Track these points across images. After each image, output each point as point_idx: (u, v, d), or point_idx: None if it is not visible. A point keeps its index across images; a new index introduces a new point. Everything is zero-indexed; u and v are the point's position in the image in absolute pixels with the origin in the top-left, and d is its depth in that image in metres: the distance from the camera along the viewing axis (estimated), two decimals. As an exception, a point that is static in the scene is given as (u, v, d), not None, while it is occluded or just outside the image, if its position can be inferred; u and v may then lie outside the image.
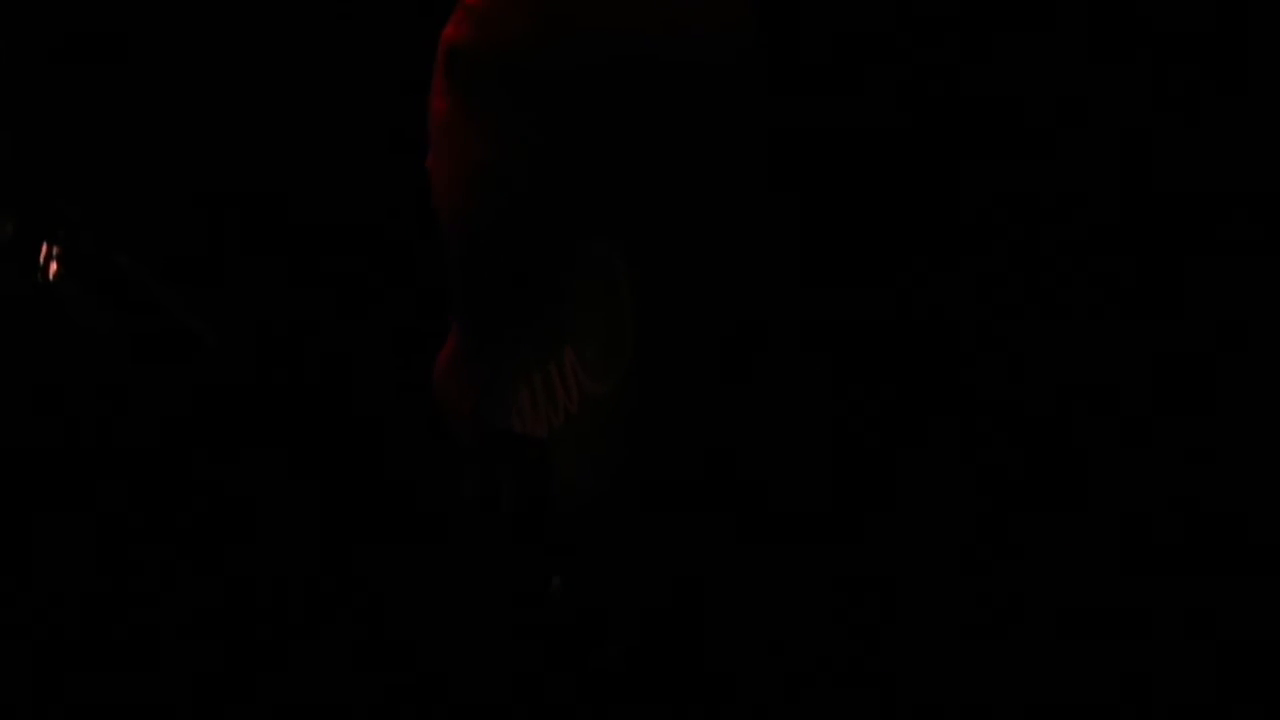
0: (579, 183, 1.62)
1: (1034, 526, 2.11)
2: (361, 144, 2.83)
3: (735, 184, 1.75)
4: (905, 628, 1.98)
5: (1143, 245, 2.06)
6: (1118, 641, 1.99)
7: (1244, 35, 1.98)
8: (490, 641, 1.86)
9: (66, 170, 2.12)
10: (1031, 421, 2.14)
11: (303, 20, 2.64)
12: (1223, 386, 2.04)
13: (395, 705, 1.82)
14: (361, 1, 2.67)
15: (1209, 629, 1.94)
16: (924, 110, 2.15)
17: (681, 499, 1.99)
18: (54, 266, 1.83)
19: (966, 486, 2.09)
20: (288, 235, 2.80)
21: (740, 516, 1.95)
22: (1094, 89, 2.03)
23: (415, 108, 1.83)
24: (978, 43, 2.20)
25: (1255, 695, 1.90)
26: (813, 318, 2.16)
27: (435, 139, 1.65)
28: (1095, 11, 2.04)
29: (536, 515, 1.89)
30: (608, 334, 2.56)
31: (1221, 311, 2.07)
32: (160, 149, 2.64)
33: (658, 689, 1.86)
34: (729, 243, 2.05)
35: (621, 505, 1.99)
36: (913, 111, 2.16)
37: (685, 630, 1.89)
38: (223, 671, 1.74)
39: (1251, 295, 2.03)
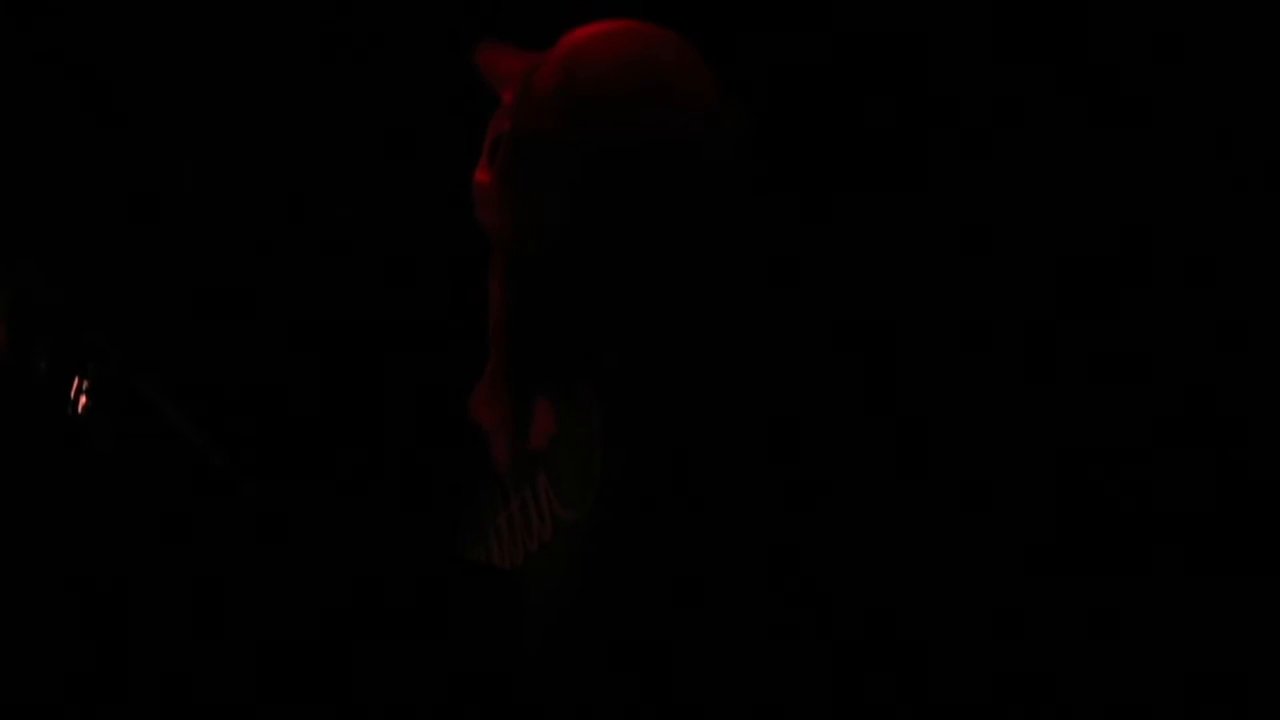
0: (584, 259, 1.70)
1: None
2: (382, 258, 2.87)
3: (717, 290, 1.81)
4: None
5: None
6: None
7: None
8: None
9: (94, 302, 2.23)
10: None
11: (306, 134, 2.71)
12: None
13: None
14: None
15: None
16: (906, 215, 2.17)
17: (647, 626, 2.05)
18: (84, 400, 1.98)
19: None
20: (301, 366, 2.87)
21: (708, 645, 2.01)
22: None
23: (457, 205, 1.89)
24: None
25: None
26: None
27: (479, 205, 1.76)
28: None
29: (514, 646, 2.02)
30: (579, 462, 2.67)
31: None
32: (180, 279, 2.72)
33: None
34: (701, 372, 2.13)
35: (591, 632, 2.09)
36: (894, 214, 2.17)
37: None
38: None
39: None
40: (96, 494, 1.85)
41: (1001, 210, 1.94)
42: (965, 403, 1.92)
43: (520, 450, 2.51)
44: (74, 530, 1.80)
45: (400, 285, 2.85)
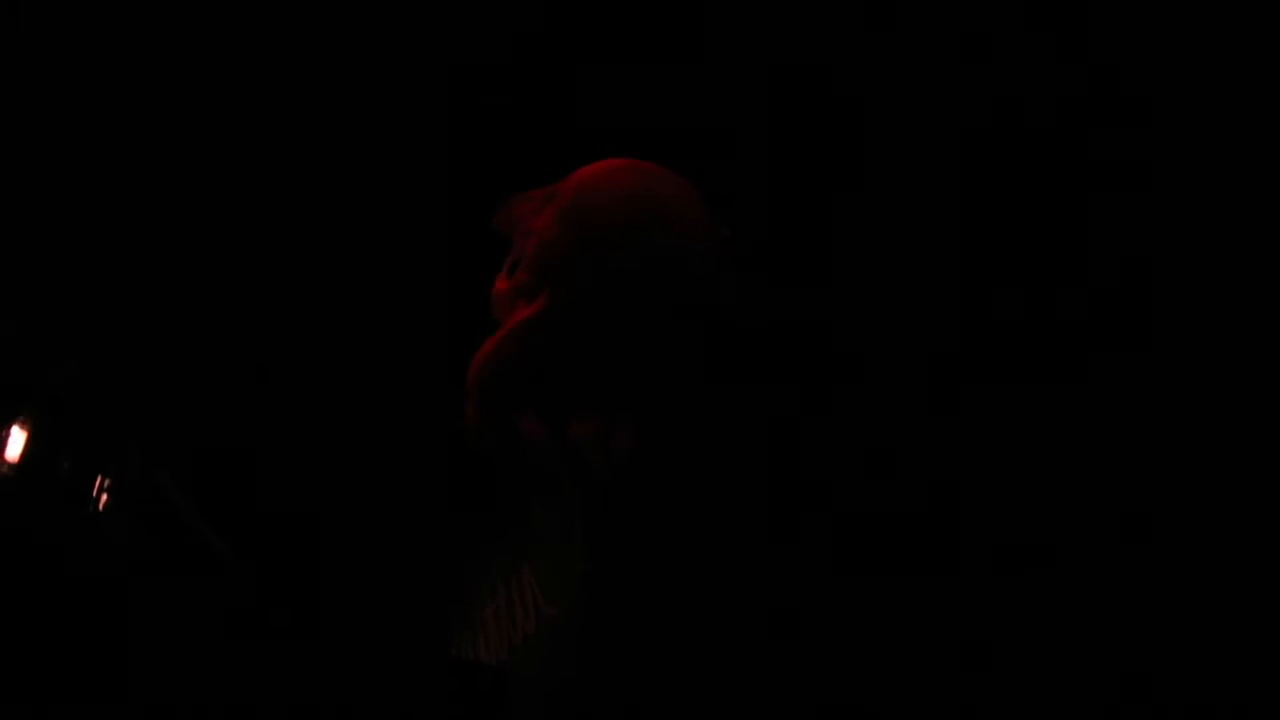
0: (579, 364, 1.84)
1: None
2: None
3: (698, 390, 1.92)
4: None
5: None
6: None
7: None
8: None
9: (119, 400, 2.36)
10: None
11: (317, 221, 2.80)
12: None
13: None
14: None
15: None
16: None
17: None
18: (104, 499, 2.12)
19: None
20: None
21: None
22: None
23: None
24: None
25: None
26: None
27: (497, 309, 1.90)
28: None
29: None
30: (562, 557, 2.74)
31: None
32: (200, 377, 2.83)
33: None
34: (684, 471, 2.23)
35: None
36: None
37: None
38: None
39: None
40: (109, 584, 1.99)
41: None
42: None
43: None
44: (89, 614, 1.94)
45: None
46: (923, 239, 2.28)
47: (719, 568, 2.23)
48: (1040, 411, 2.12)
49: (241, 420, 2.70)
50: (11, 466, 2.06)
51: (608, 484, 2.50)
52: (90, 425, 2.23)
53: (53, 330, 2.31)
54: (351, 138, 2.62)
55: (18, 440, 2.11)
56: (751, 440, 1.91)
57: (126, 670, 1.91)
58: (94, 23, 2.46)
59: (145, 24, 2.45)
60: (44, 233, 2.40)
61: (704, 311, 1.79)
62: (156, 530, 2.15)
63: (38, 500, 2.07)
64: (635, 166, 1.82)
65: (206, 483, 2.46)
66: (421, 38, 2.60)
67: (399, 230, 2.72)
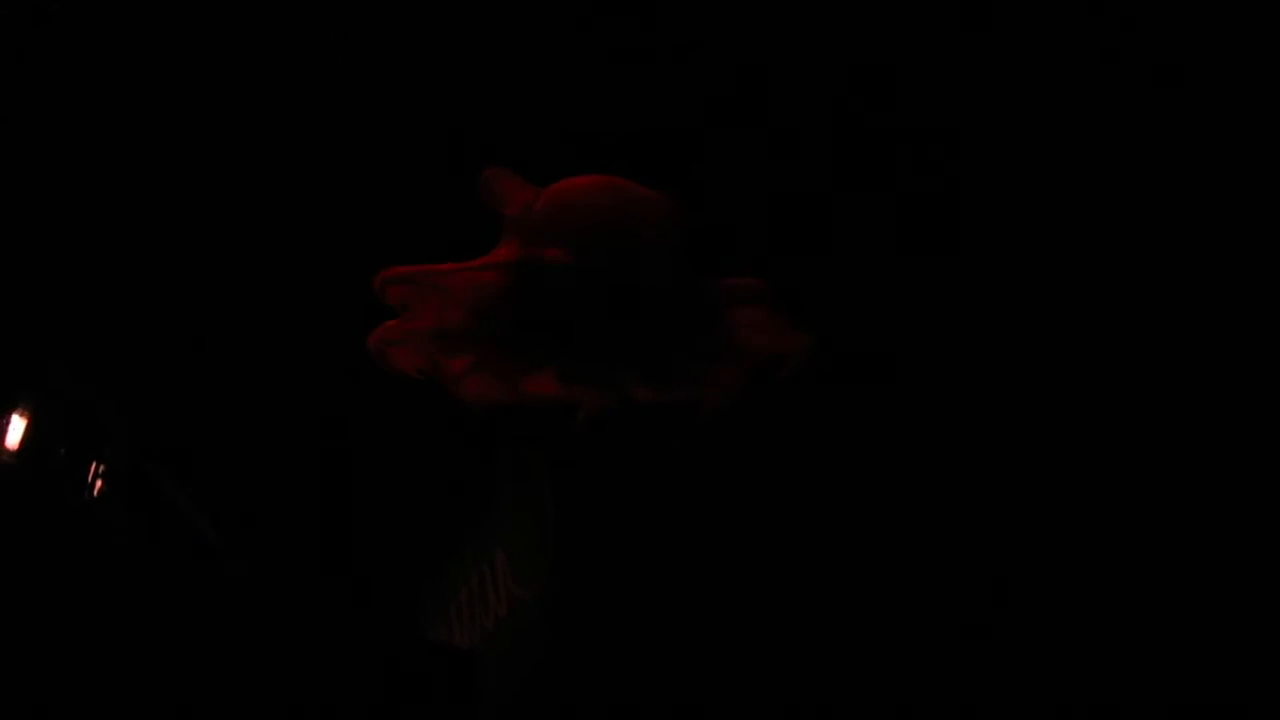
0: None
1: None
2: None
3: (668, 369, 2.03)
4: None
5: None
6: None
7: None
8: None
9: (111, 388, 2.43)
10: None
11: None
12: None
13: None
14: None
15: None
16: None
17: (598, 702, 2.22)
18: (99, 485, 2.21)
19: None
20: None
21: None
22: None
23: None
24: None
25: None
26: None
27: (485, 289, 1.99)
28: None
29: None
30: (532, 541, 2.80)
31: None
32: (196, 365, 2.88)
33: None
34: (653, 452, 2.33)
35: (544, 710, 2.26)
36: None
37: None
38: None
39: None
40: (104, 572, 2.07)
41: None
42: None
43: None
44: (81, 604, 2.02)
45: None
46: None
47: (685, 549, 2.32)
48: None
49: (219, 406, 2.78)
50: (12, 454, 2.15)
51: (576, 466, 2.56)
52: (84, 413, 2.31)
53: (48, 321, 2.39)
54: (350, 137, 2.69)
55: (17, 428, 2.19)
56: (720, 423, 1.93)
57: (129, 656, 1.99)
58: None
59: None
60: (46, 230, 2.47)
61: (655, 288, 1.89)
62: (149, 517, 2.24)
63: (37, 487, 2.15)
64: (606, 178, 1.94)
65: (192, 472, 2.54)
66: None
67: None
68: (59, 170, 2.62)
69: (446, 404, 2.14)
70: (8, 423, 2.19)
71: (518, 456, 3.02)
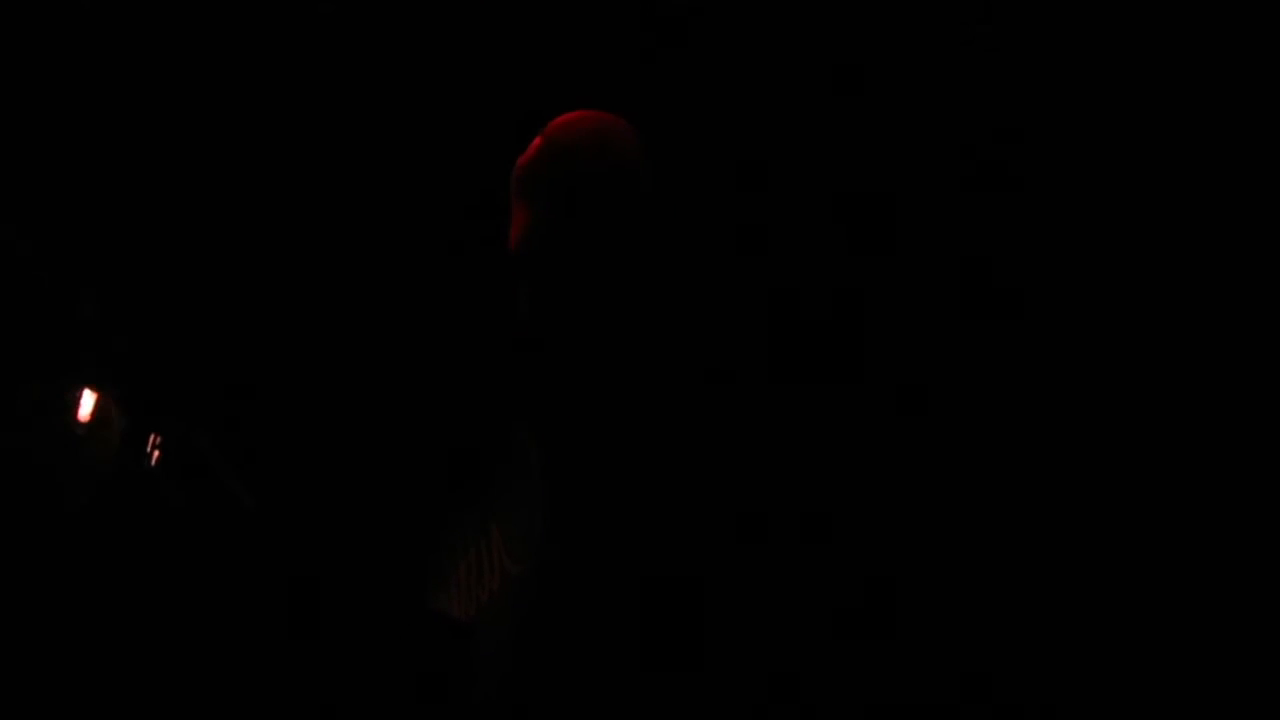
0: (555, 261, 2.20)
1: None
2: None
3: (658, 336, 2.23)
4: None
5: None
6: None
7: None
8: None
9: (170, 367, 2.65)
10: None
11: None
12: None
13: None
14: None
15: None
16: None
17: (586, 680, 2.10)
18: (156, 454, 2.45)
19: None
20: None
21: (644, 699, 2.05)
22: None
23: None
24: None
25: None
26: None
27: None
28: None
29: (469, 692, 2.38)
30: (524, 517, 3.00)
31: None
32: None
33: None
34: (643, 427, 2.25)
35: (534, 686, 2.44)
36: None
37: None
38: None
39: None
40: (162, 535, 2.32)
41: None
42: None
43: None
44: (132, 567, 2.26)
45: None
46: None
47: (678, 527, 2.45)
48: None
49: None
50: (85, 426, 2.40)
51: (570, 441, 2.75)
52: (142, 386, 2.55)
53: (115, 300, 2.63)
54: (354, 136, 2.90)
55: (88, 401, 2.44)
56: (715, 400, 2.05)
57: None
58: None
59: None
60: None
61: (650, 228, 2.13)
62: (199, 487, 2.48)
63: (106, 459, 2.40)
64: (595, 113, 2.20)
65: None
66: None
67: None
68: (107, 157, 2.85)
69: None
70: (80, 396, 2.45)
71: (514, 431, 3.17)
